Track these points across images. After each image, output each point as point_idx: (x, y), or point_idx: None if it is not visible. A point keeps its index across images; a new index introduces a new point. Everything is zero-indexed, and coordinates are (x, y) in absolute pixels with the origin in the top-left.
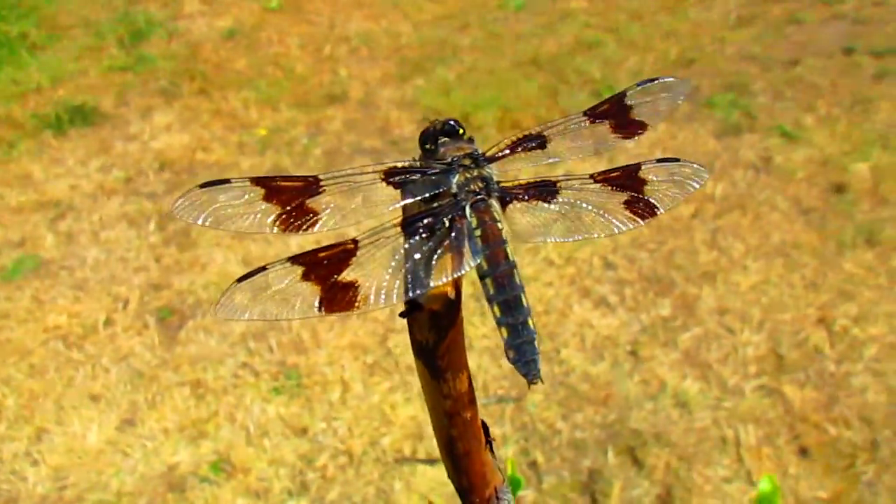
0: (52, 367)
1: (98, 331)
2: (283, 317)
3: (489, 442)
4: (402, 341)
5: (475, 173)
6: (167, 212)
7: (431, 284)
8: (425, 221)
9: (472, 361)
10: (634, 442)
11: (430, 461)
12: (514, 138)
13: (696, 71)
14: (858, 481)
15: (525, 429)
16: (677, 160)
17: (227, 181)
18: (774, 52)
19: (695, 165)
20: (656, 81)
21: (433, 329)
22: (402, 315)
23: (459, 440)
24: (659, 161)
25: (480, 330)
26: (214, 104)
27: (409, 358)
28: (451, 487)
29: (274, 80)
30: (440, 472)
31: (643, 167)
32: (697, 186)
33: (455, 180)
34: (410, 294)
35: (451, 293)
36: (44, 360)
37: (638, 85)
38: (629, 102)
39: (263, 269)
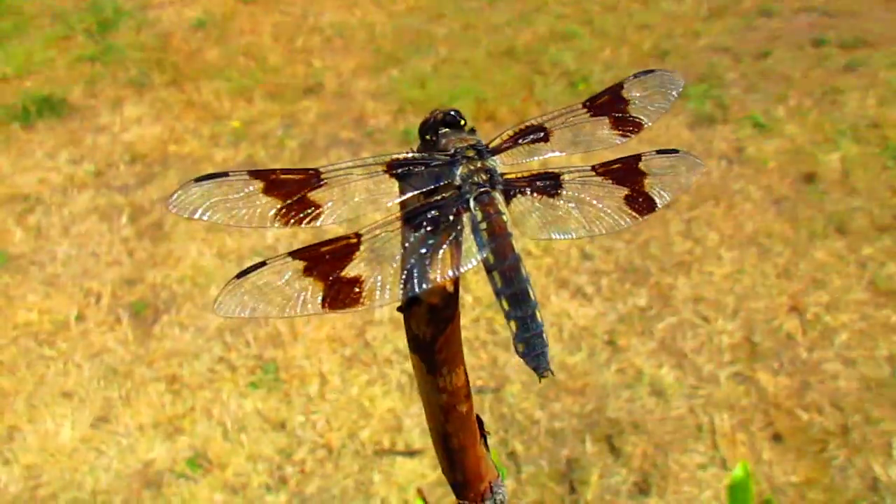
0: (23, 365)
1: (70, 327)
2: (285, 314)
3: (483, 436)
4: (379, 334)
5: (479, 165)
6: (139, 205)
7: (438, 279)
8: (429, 214)
9: None
10: (612, 430)
11: (411, 452)
12: (516, 129)
13: (669, 63)
14: (830, 466)
15: (504, 419)
16: (676, 151)
17: (224, 174)
18: (746, 43)
19: (694, 158)
20: (655, 73)
21: (431, 323)
22: (399, 310)
23: (455, 435)
24: (658, 152)
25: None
26: (186, 95)
27: (387, 350)
28: (430, 479)
29: (247, 71)
30: (419, 464)
31: (643, 158)
32: (695, 178)
33: (459, 172)
34: (416, 289)
35: (450, 287)
36: (14, 357)
37: (634, 76)
38: (626, 95)
39: (263, 264)
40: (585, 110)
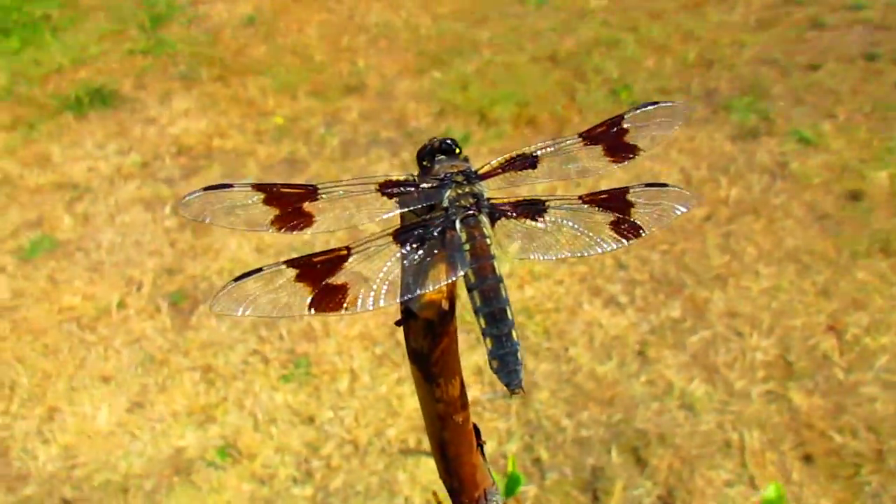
0: (66, 348)
1: (111, 313)
2: (276, 315)
3: (480, 445)
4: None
5: (467, 189)
6: (183, 197)
7: (418, 292)
8: (416, 233)
9: (480, 356)
10: (638, 442)
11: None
12: (506, 157)
13: (714, 73)
14: (862, 491)
15: (530, 425)
16: (665, 185)
17: (230, 185)
18: (795, 56)
19: (683, 191)
20: (657, 105)
21: (428, 336)
22: (397, 323)
23: (451, 443)
24: (647, 185)
25: None
26: (232, 91)
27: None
28: None
29: (292, 68)
30: None
31: (631, 191)
32: (684, 211)
33: (447, 195)
34: (397, 300)
35: (445, 304)
36: (57, 340)
37: (637, 108)
38: (626, 126)
39: (260, 270)
40: (581, 140)
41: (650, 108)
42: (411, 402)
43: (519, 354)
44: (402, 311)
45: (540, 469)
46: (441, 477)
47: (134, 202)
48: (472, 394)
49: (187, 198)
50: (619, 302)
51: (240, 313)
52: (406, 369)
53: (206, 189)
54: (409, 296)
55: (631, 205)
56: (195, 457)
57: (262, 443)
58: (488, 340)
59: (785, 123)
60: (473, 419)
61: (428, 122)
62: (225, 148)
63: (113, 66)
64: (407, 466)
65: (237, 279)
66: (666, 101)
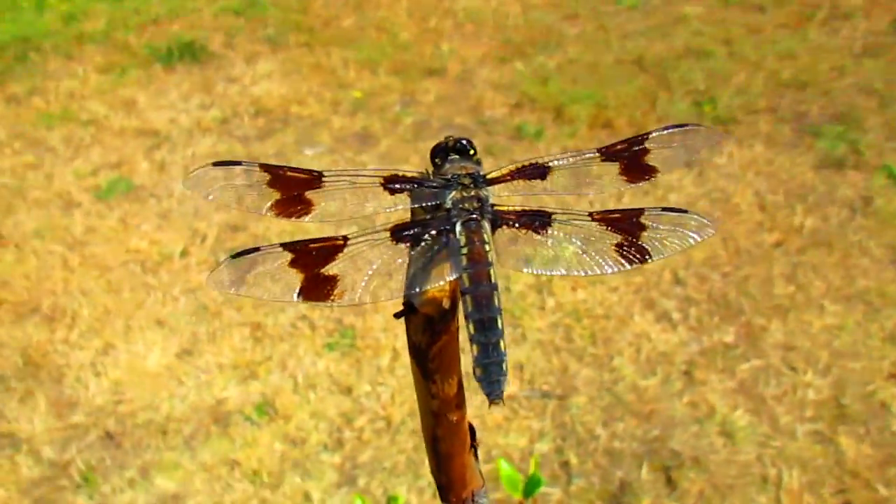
0: (128, 288)
1: (174, 260)
2: (263, 297)
3: (474, 446)
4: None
5: (472, 193)
6: (255, 157)
7: (416, 289)
8: (414, 231)
9: (523, 352)
10: (672, 462)
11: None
12: (517, 165)
13: (807, 96)
14: None
15: (563, 428)
16: (685, 212)
17: (238, 163)
18: None
19: (702, 220)
20: (686, 128)
21: (426, 332)
22: (396, 316)
23: (443, 440)
24: (665, 209)
25: (537, 322)
26: (316, 59)
27: (461, 336)
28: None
29: (377, 43)
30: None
31: (646, 213)
32: (699, 240)
33: (451, 196)
34: (385, 298)
35: (447, 303)
36: (121, 279)
37: (665, 129)
38: (648, 146)
39: (258, 249)
40: (598, 155)
41: (678, 130)
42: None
43: (504, 365)
44: (404, 304)
45: (567, 473)
46: (432, 472)
47: (209, 156)
48: (510, 389)
49: (195, 171)
50: (671, 318)
51: (232, 291)
52: None
53: (215, 164)
54: (408, 291)
55: (643, 227)
56: (234, 410)
57: (299, 406)
58: (475, 347)
59: (875, 157)
60: (508, 414)
61: (503, 113)
62: (301, 114)
63: (206, 23)
64: None
65: (234, 256)
66: (695, 125)
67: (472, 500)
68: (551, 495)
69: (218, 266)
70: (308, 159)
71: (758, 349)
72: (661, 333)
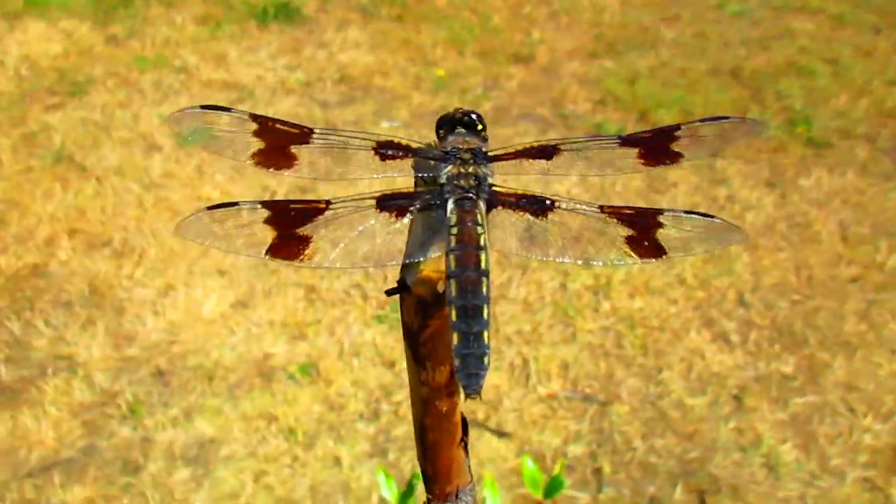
0: None
1: None
2: (231, 250)
3: (464, 440)
4: (508, 310)
5: (470, 169)
6: (333, 123)
7: (385, 263)
8: (400, 202)
9: (570, 352)
10: (708, 486)
11: (500, 433)
12: (524, 145)
13: None
14: None
15: (601, 434)
16: (711, 217)
17: (228, 109)
18: None
19: (731, 224)
20: (725, 121)
21: (419, 314)
22: (387, 293)
23: (431, 429)
24: (687, 213)
25: (589, 324)
26: (405, 34)
27: (510, 328)
28: (508, 463)
29: (467, 24)
30: (504, 447)
31: (665, 213)
32: (725, 246)
33: (446, 171)
34: (357, 265)
35: (441, 286)
36: None
37: (701, 121)
38: (679, 133)
39: (236, 204)
40: (618, 140)
41: (714, 122)
42: (490, 378)
43: (485, 359)
44: (398, 282)
45: (598, 480)
46: (418, 459)
47: (289, 117)
48: (551, 387)
49: (181, 111)
50: (729, 339)
51: (198, 242)
52: (494, 344)
53: (203, 107)
54: (373, 267)
55: (659, 225)
56: (279, 366)
57: (342, 372)
58: (455, 335)
59: None
60: (546, 412)
61: (586, 109)
62: (384, 86)
63: None
64: (469, 438)
65: (210, 208)
66: (736, 118)
67: (457, 497)
68: (579, 499)
69: (190, 216)
70: (384, 131)
71: (817, 384)
72: (716, 353)
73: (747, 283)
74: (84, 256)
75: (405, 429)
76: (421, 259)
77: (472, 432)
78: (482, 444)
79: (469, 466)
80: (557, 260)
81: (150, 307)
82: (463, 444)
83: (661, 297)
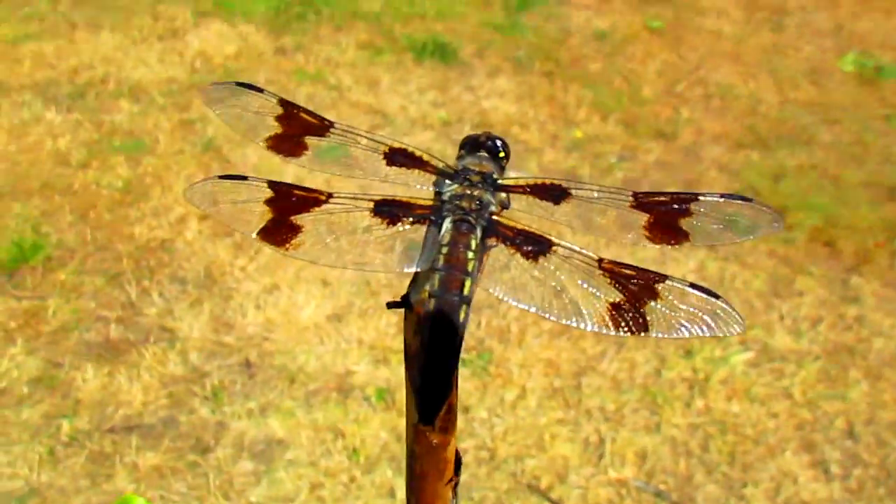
0: None
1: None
2: (225, 222)
3: (454, 480)
4: (594, 383)
5: (475, 192)
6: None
7: (365, 268)
8: (395, 211)
9: (651, 442)
10: None
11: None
12: (537, 181)
13: None
14: None
15: None
16: (717, 297)
17: (260, 90)
18: None
19: (734, 313)
20: (749, 203)
21: (417, 336)
22: (388, 305)
23: (419, 459)
24: (694, 287)
25: (678, 418)
26: (552, 90)
27: (592, 403)
28: None
29: (616, 91)
30: None
31: (669, 283)
32: (724, 334)
33: (451, 189)
34: (339, 265)
35: None
36: None
37: (722, 196)
38: (693, 207)
39: (245, 178)
40: (632, 199)
41: (735, 202)
42: (562, 448)
43: (444, 394)
44: (402, 297)
45: None
46: (406, 487)
47: (423, 150)
48: (624, 472)
49: (216, 85)
50: (829, 469)
51: (201, 208)
52: (573, 415)
53: (239, 84)
54: (351, 267)
55: (654, 296)
56: (357, 385)
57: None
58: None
59: None
60: (614, 498)
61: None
62: (519, 138)
63: (465, 30)
64: (528, 501)
65: (221, 177)
66: (760, 203)
67: None
68: None
69: (202, 180)
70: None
71: None
72: (810, 481)
73: (861, 413)
74: (207, 241)
75: (465, 478)
76: (362, 268)
77: (533, 498)
78: None
79: None
80: (527, 308)
81: (253, 301)
82: (453, 484)
83: (762, 407)
